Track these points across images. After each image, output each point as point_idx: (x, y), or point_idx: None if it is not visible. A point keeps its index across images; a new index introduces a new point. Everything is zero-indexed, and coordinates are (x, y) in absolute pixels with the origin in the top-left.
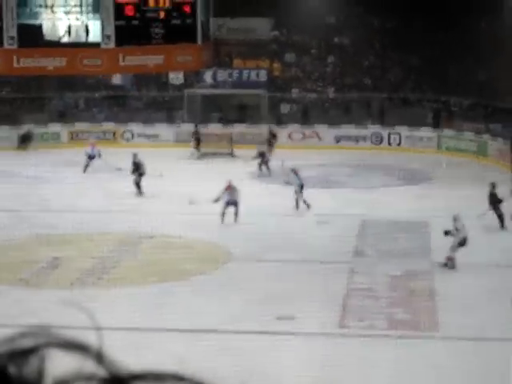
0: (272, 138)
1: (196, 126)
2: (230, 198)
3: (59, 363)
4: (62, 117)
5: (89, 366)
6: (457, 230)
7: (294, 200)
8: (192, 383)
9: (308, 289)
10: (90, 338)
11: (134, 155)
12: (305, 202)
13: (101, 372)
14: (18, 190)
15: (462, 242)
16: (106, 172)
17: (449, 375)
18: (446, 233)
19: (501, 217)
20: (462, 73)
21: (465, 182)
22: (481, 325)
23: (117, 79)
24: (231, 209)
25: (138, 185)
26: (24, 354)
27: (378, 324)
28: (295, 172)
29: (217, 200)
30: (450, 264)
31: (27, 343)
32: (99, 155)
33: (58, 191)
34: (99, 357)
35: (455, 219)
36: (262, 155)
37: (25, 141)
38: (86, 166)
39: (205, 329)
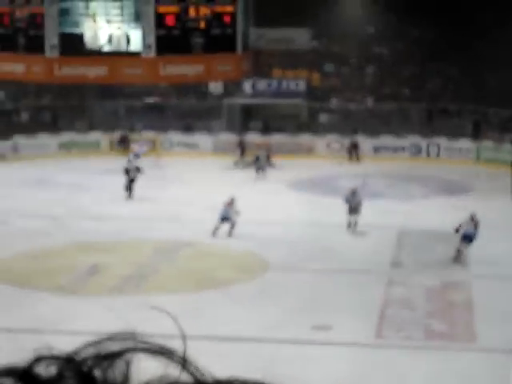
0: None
1: (240, 135)
2: (225, 214)
3: (145, 368)
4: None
5: (174, 371)
6: (460, 226)
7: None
8: None
9: (345, 299)
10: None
11: (129, 160)
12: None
13: (185, 378)
14: (58, 197)
15: (463, 238)
16: (147, 180)
17: None
18: (457, 230)
19: None
20: (501, 83)
21: (503, 194)
22: None
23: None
24: (226, 225)
25: (128, 188)
26: (110, 357)
27: (415, 335)
28: (353, 192)
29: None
30: (456, 256)
31: (113, 347)
32: (138, 155)
33: (97, 199)
34: (184, 362)
35: (471, 218)
36: (257, 159)
37: (123, 142)
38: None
39: (240, 337)
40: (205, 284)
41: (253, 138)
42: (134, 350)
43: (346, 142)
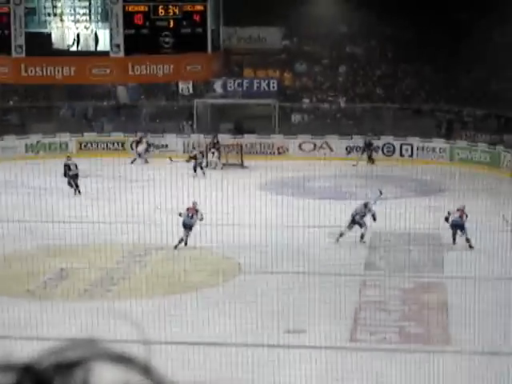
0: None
1: (215, 136)
2: (187, 220)
3: (106, 376)
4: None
5: (135, 378)
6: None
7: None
8: None
9: (318, 302)
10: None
11: (67, 157)
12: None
13: None
14: (25, 201)
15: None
16: (116, 182)
17: None
18: (446, 219)
19: None
20: (475, 83)
21: (477, 194)
22: (493, 339)
23: (123, 94)
24: (186, 232)
25: (71, 184)
26: (69, 366)
27: (389, 337)
28: (365, 204)
29: (180, 214)
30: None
31: (73, 355)
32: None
33: (65, 202)
34: (146, 370)
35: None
36: (195, 158)
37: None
38: None
39: (213, 342)
40: (176, 288)
41: (223, 139)
42: (94, 358)
43: (361, 142)
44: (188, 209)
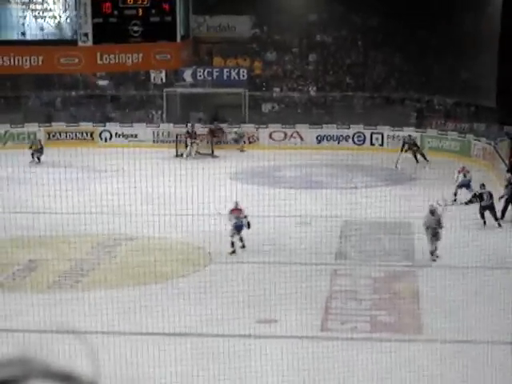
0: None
1: (192, 125)
2: (238, 222)
3: None
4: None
5: None
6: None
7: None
8: None
9: (289, 291)
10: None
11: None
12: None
13: None
14: None
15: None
16: (85, 172)
17: (432, 378)
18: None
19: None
20: (446, 71)
21: (447, 183)
22: (464, 327)
23: (102, 80)
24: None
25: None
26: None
27: (360, 327)
28: (432, 211)
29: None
30: None
31: (7, 374)
32: None
33: (33, 192)
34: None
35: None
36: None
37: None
38: None
39: (184, 332)
40: (146, 278)
41: (196, 128)
42: (32, 375)
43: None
44: (232, 210)
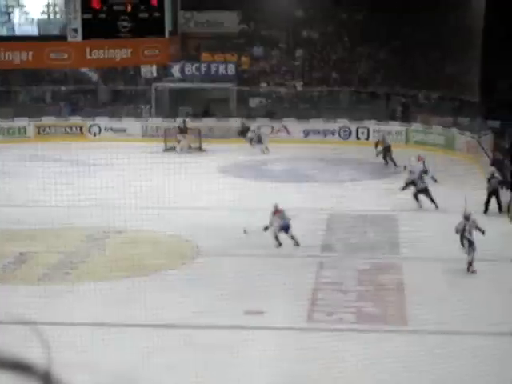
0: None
1: (184, 120)
2: (283, 222)
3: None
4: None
5: None
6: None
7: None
8: None
9: (276, 283)
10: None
11: None
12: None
13: None
14: None
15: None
16: (74, 166)
17: (417, 369)
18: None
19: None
20: (430, 66)
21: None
22: (449, 318)
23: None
24: (283, 234)
25: None
26: None
27: (346, 318)
28: (467, 217)
29: (267, 228)
30: None
31: None
32: None
33: (23, 186)
34: (46, 378)
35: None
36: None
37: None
38: None
39: (172, 324)
40: (135, 271)
41: (181, 122)
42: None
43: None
44: (275, 212)
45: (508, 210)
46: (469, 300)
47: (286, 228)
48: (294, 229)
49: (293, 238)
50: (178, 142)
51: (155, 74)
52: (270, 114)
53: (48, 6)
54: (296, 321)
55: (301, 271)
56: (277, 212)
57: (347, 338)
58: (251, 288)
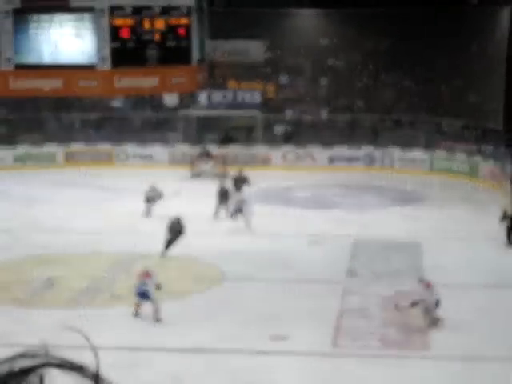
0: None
1: (205, 146)
2: (141, 288)
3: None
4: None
5: None
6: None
7: None
8: None
9: (301, 309)
10: (87, 359)
11: None
12: None
13: None
14: (13, 210)
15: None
16: (102, 192)
17: None
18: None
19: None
20: (454, 95)
21: (456, 203)
22: (473, 345)
23: (117, 102)
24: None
25: None
26: (23, 373)
27: (370, 344)
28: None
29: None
30: None
31: (26, 363)
32: None
33: (52, 211)
34: (96, 378)
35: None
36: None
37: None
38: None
39: (197, 348)
40: (161, 296)
41: (209, 149)
42: (46, 365)
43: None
44: (141, 275)
45: None
46: (493, 327)
47: (144, 296)
48: (319, 255)
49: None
50: (201, 167)
51: (177, 103)
52: (290, 139)
53: (78, 34)
54: (320, 346)
55: (325, 297)
56: (143, 276)
57: (371, 363)
58: (276, 313)
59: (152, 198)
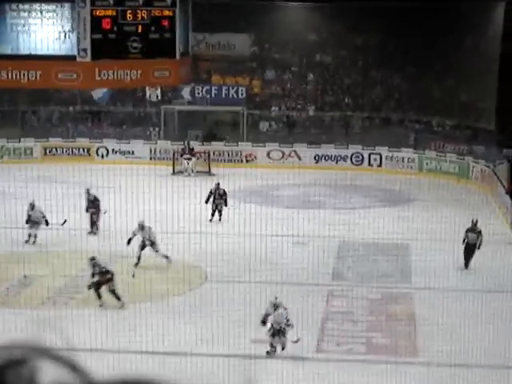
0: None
1: (188, 142)
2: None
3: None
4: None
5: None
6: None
7: None
8: None
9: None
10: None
11: None
12: None
13: (77, 381)
14: None
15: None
16: (81, 189)
17: None
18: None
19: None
20: (445, 93)
21: (445, 205)
22: (461, 350)
23: (97, 94)
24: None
25: None
26: (17, 363)
27: (356, 348)
28: None
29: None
30: None
31: (17, 354)
32: None
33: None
34: (73, 366)
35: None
36: None
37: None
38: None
39: (178, 351)
40: (142, 296)
41: (192, 145)
42: (37, 356)
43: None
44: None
45: None
46: (480, 332)
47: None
48: (304, 256)
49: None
50: (182, 164)
51: (160, 97)
52: (293, 127)
53: (56, 24)
54: (304, 350)
55: (310, 300)
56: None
57: (356, 369)
58: (259, 316)
59: (35, 220)
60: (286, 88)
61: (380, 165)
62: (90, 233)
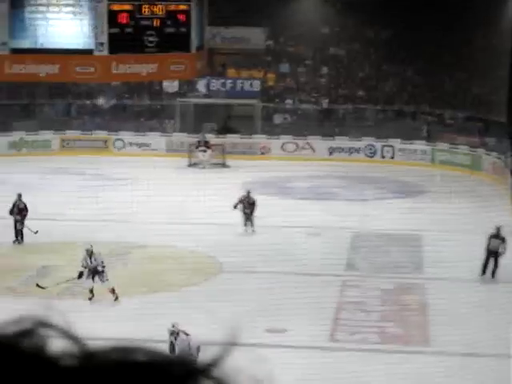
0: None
1: (203, 135)
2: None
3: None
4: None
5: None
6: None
7: None
8: (159, 357)
9: (299, 301)
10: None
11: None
12: None
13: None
14: (7, 197)
15: None
16: (98, 180)
17: None
18: None
19: None
20: (457, 86)
21: (458, 196)
22: (472, 340)
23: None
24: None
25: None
26: (28, 333)
27: (369, 338)
28: None
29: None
30: None
31: (26, 325)
32: None
33: (46, 199)
34: (68, 335)
35: None
36: None
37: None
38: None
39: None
40: (157, 287)
41: (207, 138)
42: (43, 326)
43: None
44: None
45: None
46: (492, 322)
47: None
48: (318, 247)
49: None
50: (197, 156)
51: (177, 89)
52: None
53: (74, 19)
54: (318, 340)
55: (324, 290)
56: None
57: (369, 358)
58: (274, 305)
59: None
60: (300, 81)
61: (393, 157)
62: (14, 241)
